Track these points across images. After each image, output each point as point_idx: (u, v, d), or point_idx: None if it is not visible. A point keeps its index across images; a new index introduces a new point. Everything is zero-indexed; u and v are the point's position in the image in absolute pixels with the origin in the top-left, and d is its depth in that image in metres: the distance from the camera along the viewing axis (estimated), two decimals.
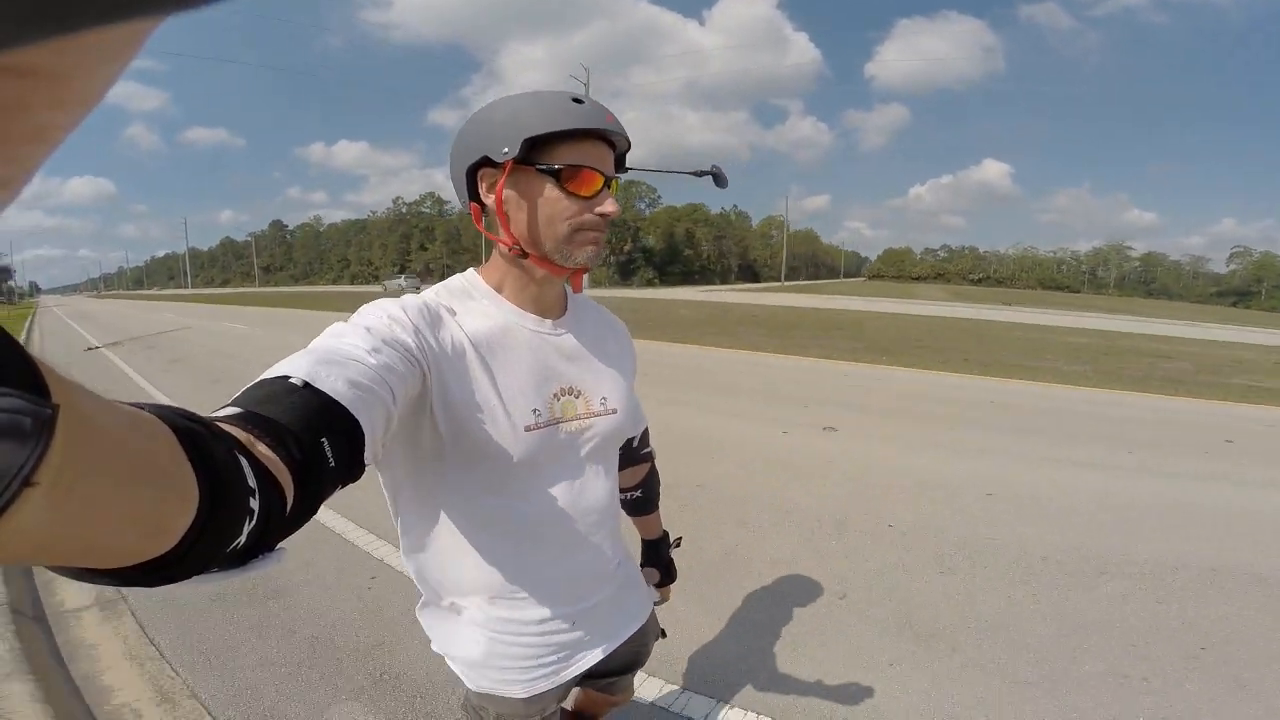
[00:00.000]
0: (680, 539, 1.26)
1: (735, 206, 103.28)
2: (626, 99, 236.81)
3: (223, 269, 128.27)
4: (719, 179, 0.86)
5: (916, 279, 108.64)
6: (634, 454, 1.06)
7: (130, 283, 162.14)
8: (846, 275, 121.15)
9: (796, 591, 2.66)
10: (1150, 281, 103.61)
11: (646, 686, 2.01)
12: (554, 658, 0.86)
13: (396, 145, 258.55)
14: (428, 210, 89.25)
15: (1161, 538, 3.24)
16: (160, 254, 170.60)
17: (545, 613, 0.84)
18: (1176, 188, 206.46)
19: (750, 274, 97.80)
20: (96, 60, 0.14)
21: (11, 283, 79.42)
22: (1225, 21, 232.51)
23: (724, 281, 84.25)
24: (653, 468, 1.13)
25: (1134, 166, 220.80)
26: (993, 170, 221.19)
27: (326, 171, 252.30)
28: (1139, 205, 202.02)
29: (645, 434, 1.08)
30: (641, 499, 1.13)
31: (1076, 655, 2.24)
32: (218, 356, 9.85)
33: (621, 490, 1.07)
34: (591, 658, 0.90)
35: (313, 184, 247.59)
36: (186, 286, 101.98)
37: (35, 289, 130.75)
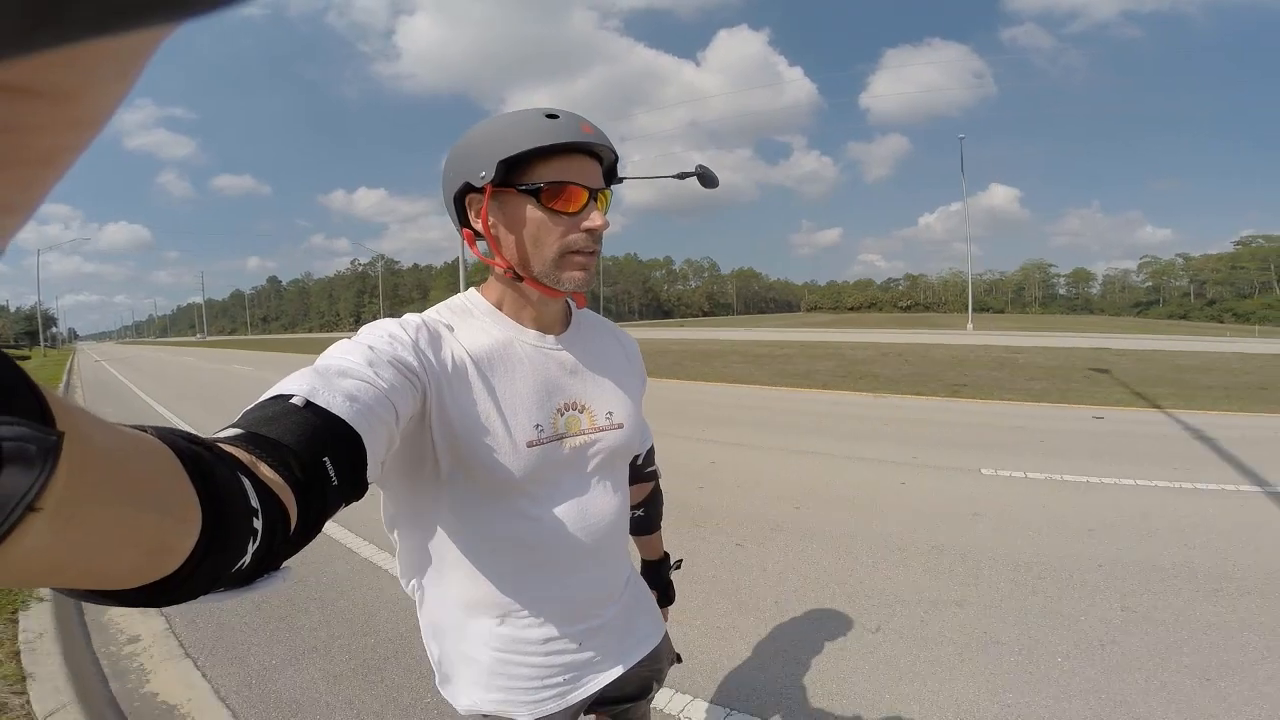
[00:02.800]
0: (680, 561, 1.26)
1: (635, 253, 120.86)
2: (633, 142, 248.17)
3: (231, 318, 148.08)
4: (704, 179, 0.86)
5: (851, 309, 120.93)
6: (638, 472, 1.07)
7: (157, 330, 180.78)
8: (787, 309, 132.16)
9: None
10: (1074, 298, 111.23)
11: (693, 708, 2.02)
12: (561, 679, 0.83)
13: (413, 191, 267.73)
14: (379, 269, 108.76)
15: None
16: (184, 303, 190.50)
17: (551, 631, 0.82)
18: (1190, 202, 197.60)
19: (661, 312, 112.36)
20: (101, 78, 0.14)
21: (54, 329, 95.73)
22: (1194, 32, 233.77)
23: (620, 319, 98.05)
24: (656, 487, 1.14)
25: (1140, 183, 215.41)
26: (1000, 195, 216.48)
27: (348, 219, 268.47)
28: (1153, 222, 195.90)
29: (650, 452, 1.09)
30: (643, 518, 1.13)
31: None
32: (148, 364, 24.63)
33: None
34: (601, 680, 0.87)
35: (335, 231, 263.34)
36: (203, 333, 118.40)
37: (74, 335, 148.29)
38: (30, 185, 0.15)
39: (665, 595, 1.20)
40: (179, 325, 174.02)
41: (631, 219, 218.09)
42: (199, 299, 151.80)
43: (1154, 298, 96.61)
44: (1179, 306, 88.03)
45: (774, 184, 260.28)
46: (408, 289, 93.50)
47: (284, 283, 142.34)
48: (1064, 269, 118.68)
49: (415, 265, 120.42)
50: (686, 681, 2.15)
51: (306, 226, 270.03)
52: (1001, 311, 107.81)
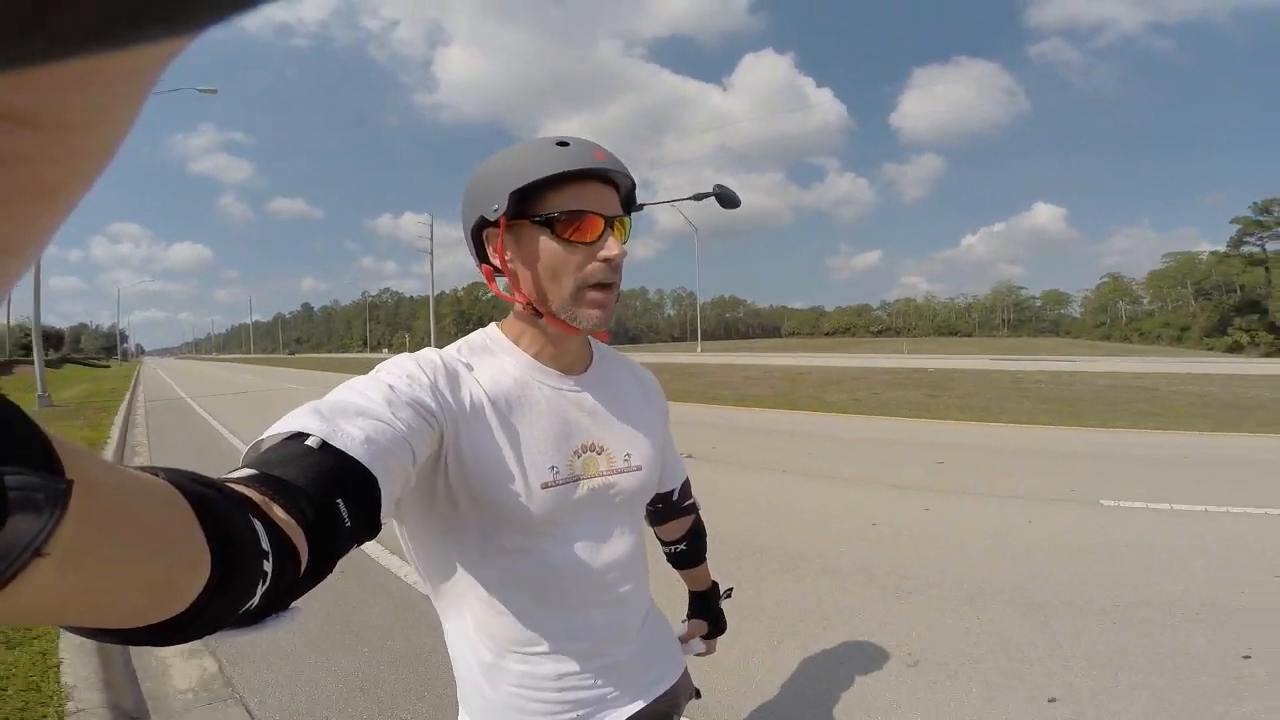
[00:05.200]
0: (731, 590, 1.24)
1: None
2: (663, 168, 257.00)
3: (274, 339, 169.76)
4: (723, 199, 0.81)
5: (827, 334, 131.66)
6: (675, 507, 1.06)
7: (214, 348, 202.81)
8: (765, 335, 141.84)
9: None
10: (1040, 320, 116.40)
11: None
12: (575, 715, 0.82)
13: (457, 217, 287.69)
14: (386, 299, 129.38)
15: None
16: (238, 324, 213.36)
17: (565, 668, 0.81)
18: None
19: (629, 338, 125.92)
20: (105, 105, 0.14)
21: (126, 345, 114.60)
22: (1229, 43, 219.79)
23: None
24: (697, 519, 1.13)
25: (1189, 198, 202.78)
26: (1045, 214, 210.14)
27: (395, 243, 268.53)
28: (1210, 240, 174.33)
29: (686, 486, 1.08)
30: (686, 552, 1.12)
31: None
32: (182, 370, 40.18)
33: (665, 544, 1.11)
34: (616, 717, 0.85)
35: (384, 254, 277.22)
36: (250, 352, 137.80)
37: (141, 350, 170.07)
38: (34, 223, 0.14)
39: (716, 626, 1.19)
40: (231, 344, 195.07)
41: (665, 243, 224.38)
42: (250, 320, 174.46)
43: (1101, 319, 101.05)
44: (1111, 328, 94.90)
45: (809, 207, 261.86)
46: (405, 317, 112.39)
47: (315, 309, 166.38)
48: (1036, 291, 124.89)
49: (411, 297, 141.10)
50: (705, 716, 2.05)
51: (355, 249, 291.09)
52: (969, 335, 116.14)
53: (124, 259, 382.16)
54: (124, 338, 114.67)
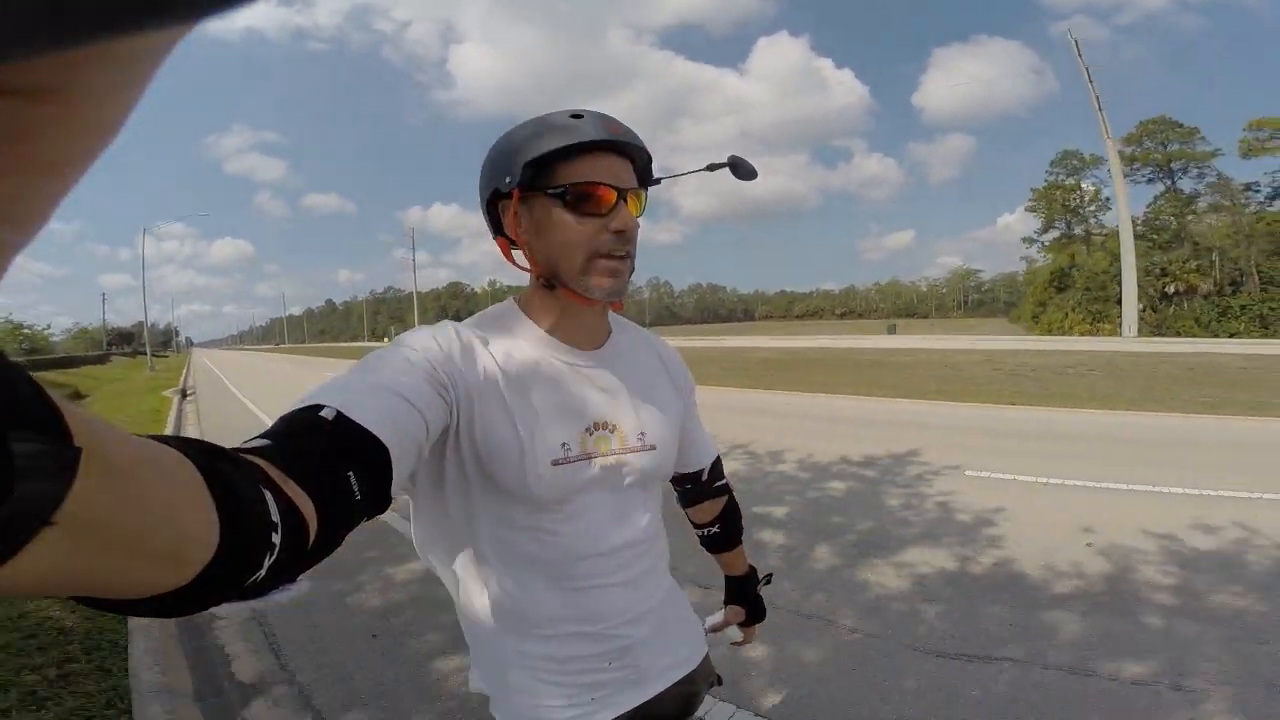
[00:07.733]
0: (770, 575, 1.17)
1: None
2: (683, 153, 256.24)
3: (304, 331, 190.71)
4: (737, 169, 0.83)
5: (798, 317, 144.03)
6: (705, 488, 1.03)
7: (255, 339, 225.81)
8: (745, 319, 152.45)
9: None
10: (993, 300, 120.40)
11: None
12: (590, 697, 0.81)
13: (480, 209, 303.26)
14: (389, 295, 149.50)
15: None
16: (276, 316, 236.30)
17: (578, 650, 0.80)
18: None
19: None
20: (112, 84, 0.14)
21: (177, 338, 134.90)
22: (1259, 19, 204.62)
23: None
24: (731, 500, 1.08)
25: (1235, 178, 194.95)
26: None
27: (425, 234, 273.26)
28: None
29: (717, 465, 1.04)
30: (720, 535, 1.07)
31: None
32: (219, 356, 56.24)
33: (697, 526, 1.08)
34: (633, 699, 0.84)
35: (415, 245, 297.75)
36: (284, 343, 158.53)
37: (190, 342, 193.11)
38: (38, 196, 0.15)
39: (754, 613, 1.13)
40: (270, 336, 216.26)
41: (691, 228, 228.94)
42: (288, 313, 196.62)
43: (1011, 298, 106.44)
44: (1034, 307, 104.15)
45: (835, 189, 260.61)
46: (404, 311, 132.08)
47: (338, 303, 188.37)
48: (990, 274, 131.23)
49: (411, 294, 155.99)
50: (741, 696, 2.04)
51: (389, 241, 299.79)
52: (926, 317, 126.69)
53: (170, 256, 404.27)
54: (176, 332, 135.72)
